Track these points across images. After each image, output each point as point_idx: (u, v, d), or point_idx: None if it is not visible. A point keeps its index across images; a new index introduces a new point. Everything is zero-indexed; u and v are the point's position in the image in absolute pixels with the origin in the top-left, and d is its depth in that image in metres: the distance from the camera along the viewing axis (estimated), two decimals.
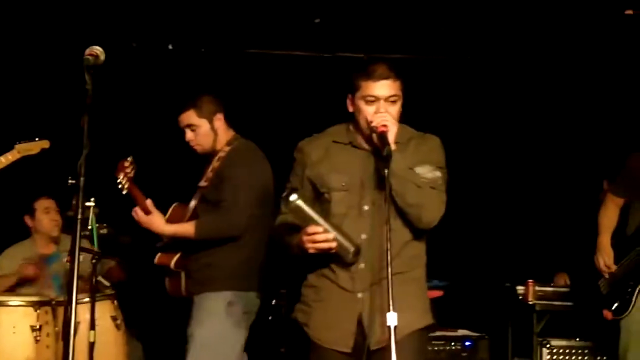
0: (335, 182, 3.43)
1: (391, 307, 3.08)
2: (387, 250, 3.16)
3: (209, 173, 4.45)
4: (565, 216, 6.44)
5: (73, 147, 3.02)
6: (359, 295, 3.37)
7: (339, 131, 3.54)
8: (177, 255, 4.41)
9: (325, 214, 3.40)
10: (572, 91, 6.73)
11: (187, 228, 4.34)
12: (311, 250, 3.32)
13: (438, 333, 5.44)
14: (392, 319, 3.09)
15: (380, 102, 3.37)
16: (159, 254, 4.51)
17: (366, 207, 3.39)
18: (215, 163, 4.46)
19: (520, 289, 5.91)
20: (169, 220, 4.46)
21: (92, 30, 5.72)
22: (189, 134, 4.51)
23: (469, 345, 5.55)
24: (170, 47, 6.58)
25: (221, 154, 4.46)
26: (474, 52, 6.70)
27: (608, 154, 5.88)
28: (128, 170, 4.50)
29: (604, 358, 5.57)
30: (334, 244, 3.31)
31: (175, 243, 4.41)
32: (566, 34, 6.36)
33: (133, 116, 6.47)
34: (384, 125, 3.31)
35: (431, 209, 3.36)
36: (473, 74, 6.74)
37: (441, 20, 6.27)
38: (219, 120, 4.50)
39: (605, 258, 4.88)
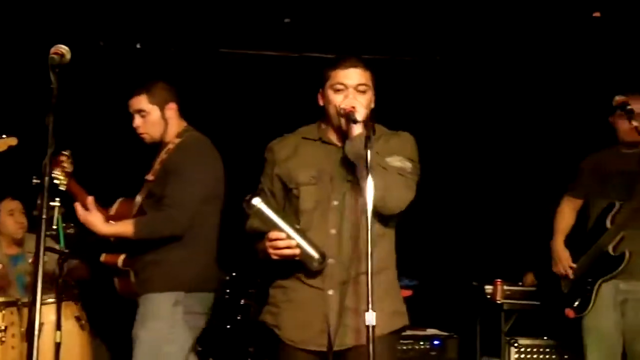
0: (303, 177, 3.39)
1: (370, 306, 3.02)
2: (367, 243, 3.05)
3: (156, 166, 4.21)
4: (533, 215, 6.46)
5: (38, 146, 2.99)
6: (329, 292, 3.32)
7: (309, 129, 3.51)
8: (124, 254, 4.20)
9: (295, 211, 3.38)
10: (540, 92, 6.77)
11: (125, 228, 4.07)
12: (274, 257, 3.26)
13: (407, 332, 5.42)
14: (370, 318, 3.01)
15: (349, 90, 3.34)
16: (104, 253, 4.29)
17: (335, 202, 3.34)
18: (163, 155, 4.21)
19: (488, 288, 5.93)
20: (115, 217, 4.23)
21: (59, 28, 5.67)
22: (138, 120, 4.25)
23: (438, 344, 5.56)
24: (138, 46, 6.53)
25: (170, 146, 4.21)
26: (444, 52, 6.72)
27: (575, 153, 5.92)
28: (65, 164, 4.29)
29: (571, 356, 5.62)
30: (297, 251, 3.24)
31: (122, 240, 4.15)
32: (534, 35, 6.39)
33: (100, 115, 6.42)
34: (352, 107, 3.28)
35: (396, 194, 3.28)
36: (443, 75, 6.76)
37: (411, 21, 6.28)
38: (171, 110, 4.25)
39: (562, 262, 4.93)
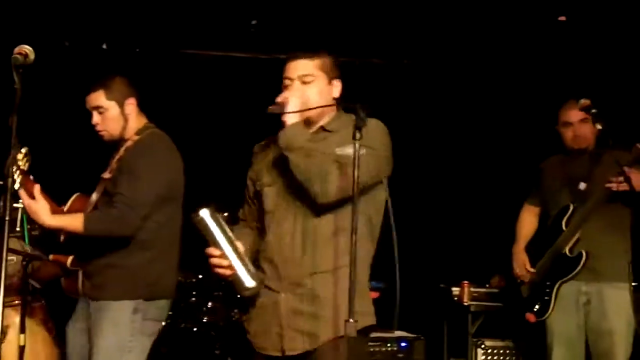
0: (266, 178, 3.37)
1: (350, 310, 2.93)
2: (352, 244, 2.95)
3: (114, 164, 4.06)
4: (500, 218, 6.49)
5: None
6: (282, 295, 3.24)
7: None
8: (73, 255, 4.07)
9: (261, 211, 3.35)
10: (505, 96, 6.80)
11: (73, 221, 3.86)
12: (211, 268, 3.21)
13: (374, 334, 5.44)
14: (350, 327, 2.93)
15: (294, 84, 3.28)
16: (52, 254, 4.19)
17: (293, 202, 3.27)
18: (121, 152, 4.06)
19: (455, 290, 5.96)
20: (69, 212, 4.09)
21: (22, 28, 5.61)
22: (96, 117, 4.07)
23: (405, 346, 5.56)
24: (104, 46, 6.48)
25: (128, 144, 4.06)
26: (411, 56, 6.74)
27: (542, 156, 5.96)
28: (21, 163, 3.97)
29: (537, 358, 5.65)
30: (227, 272, 3.16)
31: (74, 239, 3.97)
32: (500, 39, 6.42)
33: (65, 115, 6.36)
34: (285, 98, 3.23)
35: (322, 180, 3.13)
36: (410, 78, 6.77)
37: (378, 24, 6.29)
38: (131, 105, 4.09)
39: (520, 265, 4.98)
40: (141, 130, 4.10)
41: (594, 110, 4.49)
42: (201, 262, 5.38)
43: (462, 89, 6.82)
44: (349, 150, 3.08)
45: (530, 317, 4.85)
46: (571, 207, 4.75)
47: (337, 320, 3.13)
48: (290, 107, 3.20)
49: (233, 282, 3.19)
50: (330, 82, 3.33)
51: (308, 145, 3.18)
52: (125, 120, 4.09)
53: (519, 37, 6.37)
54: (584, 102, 4.62)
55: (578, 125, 4.75)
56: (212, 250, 3.19)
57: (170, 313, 5.39)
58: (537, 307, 4.84)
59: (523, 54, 6.54)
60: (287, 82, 3.30)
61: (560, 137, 4.90)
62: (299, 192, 3.22)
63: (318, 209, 3.20)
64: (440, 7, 6.12)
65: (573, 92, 4.83)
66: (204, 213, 3.16)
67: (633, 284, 4.65)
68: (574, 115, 4.72)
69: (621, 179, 4.41)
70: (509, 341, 5.73)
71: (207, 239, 3.19)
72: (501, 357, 5.70)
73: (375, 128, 3.22)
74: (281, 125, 3.24)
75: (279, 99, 3.24)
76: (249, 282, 3.16)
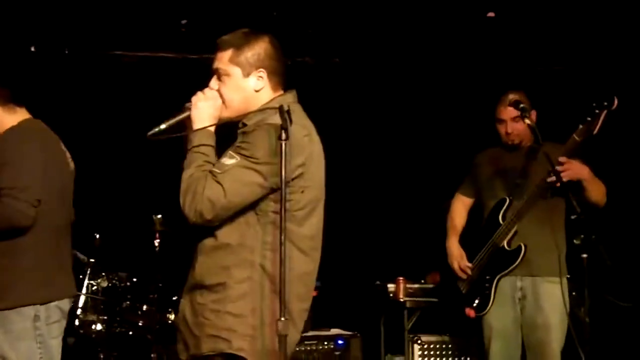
0: None
1: (283, 314, 2.81)
2: (280, 257, 2.84)
3: None
4: (434, 213, 6.54)
5: None
6: (182, 300, 3.11)
7: None
8: None
9: None
10: (435, 92, 6.85)
11: None
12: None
13: (310, 333, 5.45)
14: (282, 326, 2.82)
15: (214, 78, 3.14)
16: None
17: None
18: None
19: (391, 286, 5.98)
20: None
21: None
22: None
23: (342, 344, 5.57)
24: (32, 49, 6.37)
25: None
26: (342, 54, 6.75)
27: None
28: None
29: (474, 352, 5.70)
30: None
31: None
32: (430, 36, 6.47)
33: None
34: (189, 102, 3.11)
35: (190, 200, 2.92)
36: (340, 77, 6.77)
37: (308, 22, 6.29)
38: None
39: (458, 260, 4.97)
40: (14, 126, 3.96)
41: (522, 105, 4.53)
42: (135, 265, 5.38)
43: (392, 86, 6.84)
44: (229, 160, 2.94)
45: (470, 313, 4.86)
46: (507, 201, 4.78)
47: (200, 339, 3.00)
48: (194, 111, 3.06)
49: None
50: (247, 75, 3.09)
51: (192, 156, 3.00)
52: None
53: (449, 33, 6.42)
54: (512, 97, 4.67)
55: (510, 122, 4.76)
56: None
57: (105, 317, 5.37)
58: (476, 302, 4.85)
59: (453, 50, 6.59)
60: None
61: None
62: None
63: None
64: (370, 4, 6.13)
65: (505, 87, 4.89)
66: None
67: (567, 276, 4.72)
68: (507, 112, 4.74)
69: (560, 168, 4.41)
70: (445, 336, 5.78)
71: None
72: (437, 352, 5.74)
73: (253, 131, 2.99)
74: None
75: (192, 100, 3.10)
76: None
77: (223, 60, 3.09)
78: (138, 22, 6.10)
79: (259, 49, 3.10)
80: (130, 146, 5.81)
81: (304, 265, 3.09)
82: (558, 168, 4.40)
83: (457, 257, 4.97)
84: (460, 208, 5.12)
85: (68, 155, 4.16)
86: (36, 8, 5.90)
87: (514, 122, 4.75)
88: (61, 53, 6.39)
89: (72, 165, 4.18)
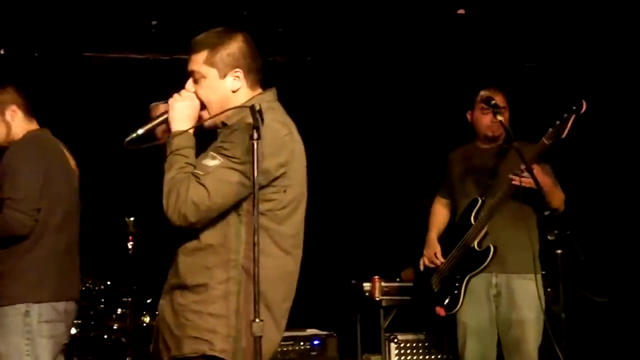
0: None
1: (257, 315, 2.75)
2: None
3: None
4: (408, 211, 6.55)
5: None
6: (161, 301, 3.06)
7: None
8: None
9: None
10: (408, 91, 6.86)
11: None
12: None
13: (286, 333, 5.39)
14: (257, 328, 2.76)
15: (190, 80, 3.07)
16: None
17: None
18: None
19: (366, 285, 5.98)
20: None
21: None
22: None
23: (318, 344, 5.56)
24: (2, 52, 6.32)
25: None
26: (314, 53, 6.74)
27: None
28: None
29: (450, 350, 5.71)
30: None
31: None
32: (401, 33, 6.47)
33: None
34: (166, 106, 3.07)
35: (173, 203, 2.87)
36: (312, 76, 6.76)
37: (279, 21, 6.28)
38: (14, 112, 4.19)
39: (431, 251, 4.99)
40: (25, 136, 4.20)
41: (493, 102, 4.54)
42: (109, 268, 5.33)
43: (366, 85, 6.84)
44: (212, 162, 2.89)
45: (440, 311, 4.87)
46: (480, 201, 4.79)
47: (181, 340, 2.96)
48: (171, 113, 3.02)
49: None
50: (223, 76, 3.04)
51: (172, 158, 2.96)
52: (8, 126, 4.20)
53: (420, 31, 6.43)
54: (484, 93, 4.68)
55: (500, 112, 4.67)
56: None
57: (79, 321, 5.33)
58: (447, 300, 4.86)
59: (425, 47, 6.60)
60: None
61: (473, 125, 4.93)
62: None
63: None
64: (341, 2, 6.13)
65: (478, 84, 4.89)
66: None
67: (543, 272, 4.74)
68: (498, 100, 4.69)
69: (525, 173, 4.41)
70: (422, 334, 5.78)
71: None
72: (414, 351, 5.75)
73: (232, 130, 2.95)
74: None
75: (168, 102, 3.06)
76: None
77: (198, 62, 3.03)
78: (108, 24, 6.06)
79: (234, 48, 3.05)
80: (102, 148, 5.78)
81: (286, 265, 3.06)
82: (517, 176, 4.44)
83: (433, 248, 4.99)
84: (439, 208, 5.15)
85: (73, 163, 4.34)
86: (5, 11, 5.85)
87: (502, 112, 4.71)
88: (31, 56, 6.34)
89: (76, 172, 4.37)
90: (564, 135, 4.35)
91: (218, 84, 3.05)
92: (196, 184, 2.86)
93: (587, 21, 6.16)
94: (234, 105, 3.02)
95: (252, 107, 2.82)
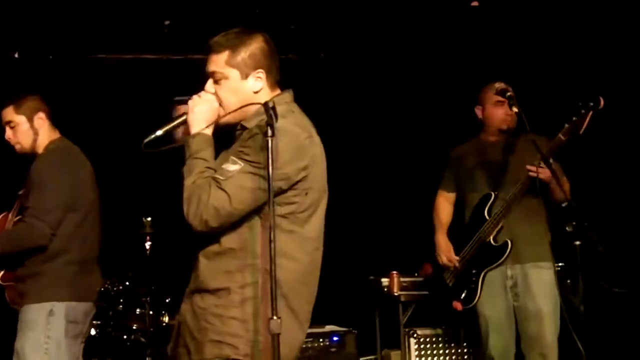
0: None
1: (274, 313, 2.73)
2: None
3: (27, 179, 4.31)
4: (425, 206, 6.53)
5: None
6: (184, 305, 3.05)
7: None
8: (3, 270, 4.33)
9: None
10: (422, 87, 6.84)
11: None
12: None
13: None
14: (274, 326, 2.75)
15: (210, 81, 3.03)
16: None
17: None
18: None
19: (384, 281, 5.97)
20: None
21: None
22: (8, 132, 4.39)
23: (337, 340, 5.57)
24: (16, 55, 6.34)
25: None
26: (327, 50, 6.73)
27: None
28: None
29: (470, 344, 5.71)
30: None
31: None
32: (414, 28, 6.46)
33: None
34: (184, 109, 3.02)
35: (194, 208, 2.86)
36: (326, 73, 6.75)
37: (291, 18, 6.27)
38: (41, 119, 4.37)
39: (446, 254, 5.02)
40: (49, 145, 4.35)
41: (509, 94, 4.53)
42: (127, 269, 5.34)
43: (380, 80, 6.83)
44: (233, 166, 2.87)
45: (457, 305, 4.92)
46: (492, 196, 4.80)
47: (203, 345, 2.95)
48: (190, 116, 2.98)
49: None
50: (245, 77, 3.00)
51: (194, 163, 2.93)
52: (36, 133, 4.35)
53: (434, 25, 6.41)
54: (499, 85, 4.66)
55: (509, 104, 4.67)
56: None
57: (98, 322, 5.35)
58: (463, 295, 4.90)
59: (439, 42, 6.58)
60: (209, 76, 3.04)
61: (484, 120, 4.93)
62: None
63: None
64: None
65: (493, 77, 4.88)
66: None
67: (560, 264, 4.75)
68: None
69: (542, 165, 4.43)
70: (441, 329, 5.77)
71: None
72: (433, 345, 5.74)
73: (251, 134, 2.92)
74: None
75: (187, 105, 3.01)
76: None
77: (219, 63, 2.99)
78: (120, 25, 6.07)
79: (255, 48, 3.01)
80: (118, 149, 5.80)
81: (309, 267, 3.05)
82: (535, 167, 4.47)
83: (445, 250, 5.03)
84: (443, 203, 5.17)
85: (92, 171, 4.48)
86: (18, 14, 5.87)
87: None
88: (45, 59, 6.36)
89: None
90: (581, 131, 4.38)
91: (240, 85, 3.01)
92: (217, 189, 2.85)
93: (595, 13, 6.14)
94: (255, 105, 2.98)
95: (265, 104, 2.82)
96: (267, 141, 2.78)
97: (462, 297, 4.90)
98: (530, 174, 4.55)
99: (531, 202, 4.69)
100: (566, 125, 4.43)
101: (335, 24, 6.41)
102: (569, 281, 4.94)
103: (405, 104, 6.91)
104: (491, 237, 4.80)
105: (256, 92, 3.02)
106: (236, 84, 3.00)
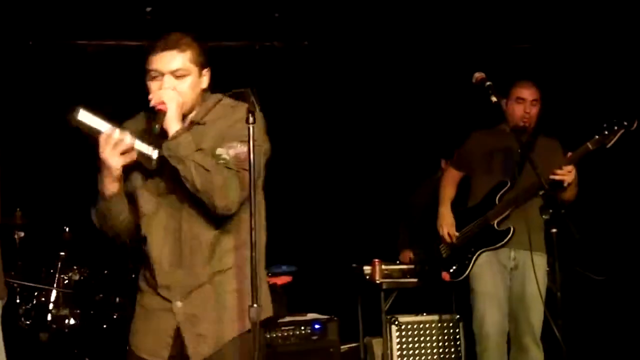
0: (137, 178, 3.16)
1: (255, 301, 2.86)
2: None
3: None
4: (406, 194, 6.55)
5: None
6: (177, 304, 3.10)
7: (139, 118, 3.23)
8: None
9: (136, 214, 3.16)
10: (405, 75, 6.85)
11: None
12: (114, 161, 2.97)
13: (287, 318, 5.44)
14: (254, 312, 2.86)
15: (165, 78, 3.06)
16: None
17: (174, 208, 3.11)
18: None
19: (366, 268, 5.98)
20: None
21: None
22: None
23: (319, 328, 5.56)
24: None
25: None
26: (311, 38, 6.72)
27: (444, 136, 6.06)
28: None
29: (450, 330, 5.75)
30: (132, 143, 2.99)
31: None
32: (398, 17, 6.46)
33: None
34: (162, 102, 3.01)
35: (224, 193, 3.00)
36: (309, 61, 6.74)
37: (275, 6, 6.26)
38: None
39: (448, 226, 5.15)
40: None
41: (488, 83, 4.54)
42: (105, 258, 5.31)
43: (363, 69, 6.83)
44: (236, 150, 3.02)
45: (445, 276, 5.13)
46: (508, 184, 4.94)
47: (228, 322, 3.09)
48: (170, 113, 3.01)
49: (140, 159, 3.06)
50: (200, 75, 3.14)
51: (195, 155, 3.00)
52: None
53: (419, 13, 6.41)
54: (479, 75, 4.65)
55: (530, 104, 4.92)
56: (107, 133, 2.98)
57: (78, 311, 5.34)
58: (454, 268, 5.09)
59: (424, 30, 6.58)
60: (153, 74, 3.08)
61: (506, 113, 4.97)
62: (184, 197, 3.08)
63: (207, 215, 3.07)
64: None
65: (478, 68, 4.88)
66: (81, 111, 2.99)
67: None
68: (529, 93, 4.92)
69: (569, 168, 4.63)
70: (422, 316, 5.80)
71: (92, 133, 3.00)
72: (415, 333, 5.77)
73: (258, 120, 3.05)
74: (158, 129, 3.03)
75: (155, 103, 3.03)
76: (153, 153, 3.04)
77: (183, 61, 3.07)
78: (102, 11, 6.03)
79: (203, 48, 3.15)
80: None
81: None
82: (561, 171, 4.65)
83: (448, 224, 5.16)
84: (450, 180, 5.29)
85: None
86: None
87: (533, 105, 4.93)
88: (25, 45, 6.32)
89: None
90: (608, 146, 4.61)
91: (198, 82, 3.13)
92: (241, 173, 3.00)
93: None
94: (200, 102, 3.16)
95: (253, 90, 2.96)
96: (249, 127, 2.91)
97: (451, 270, 5.09)
98: (557, 177, 4.66)
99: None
100: (596, 137, 4.62)
101: (320, 12, 6.39)
102: (547, 269, 5.00)
103: (389, 92, 6.91)
104: (495, 221, 4.95)
105: (204, 90, 3.18)
106: (195, 81, 3.12)
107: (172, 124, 3.02)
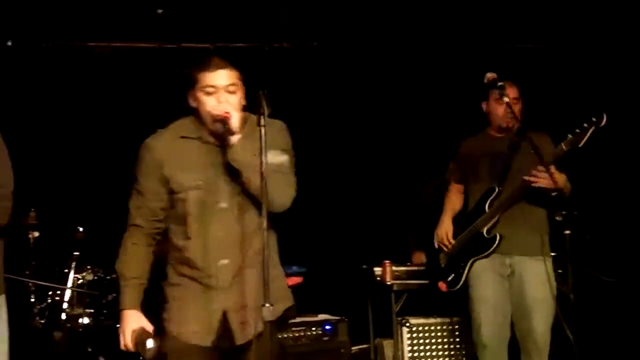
0: (189, 179, 3.41)
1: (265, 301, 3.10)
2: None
3: None
4: (417, 196, 6.55)
5: None
6: (222, 291, 3.41)
7: (186, 125, 3.49)
8: None
9: (181, 214, 3.42)
10: (414, 75, 6.85)
11: None
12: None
13: (298, 319, 5.45)
14: (267, 312, 3.11)
15: (220, 92, 3.37)
16: None
17: (223, 205, 3.41)
18: None
19: (377, 270, 5.99)
20: None
21: None
22: None
23: (329, 329, 5.57)
24: (9, 43, 6.33)
25: None
26: (321, 39, 6.73)
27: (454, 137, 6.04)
28: None
29: (462, 333, 5.74)
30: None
31: None
32: (407, 18, 6.47)
33: None
34: (227, 112, 3.33)
35: (280, 194, 3.35)
36: (319, 61, 6.76)
37: (286, 7, 6.27)
38: None
39: (442, 232, 5.12)
40: None
41: (500, 84, 4.55)
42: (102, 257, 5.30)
43: (372, 69, 6.84)
44: (282, 158, 3.41)
45: (442, 286, 5.08)
46: (496, 190, 4.88)
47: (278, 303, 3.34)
48: (234, 121, 3.33)
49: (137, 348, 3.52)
50: (243, 90, 3.46)
51: (255, 160, 3.23)
52: None
53: (427, 14, 6.42)
54: (490, 75, 4.67)
55: (513, 102, 4.80)
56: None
57: (91, 311, 5.35)
58: (450, 277, 5.05)
59: (432, 31, 6.59)
60: (210, 89, 3.38)
61: (488, 115, 4.97)
62: (235, 196, 3.40)
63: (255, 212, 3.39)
64: None
65: (486, 69, 4.89)
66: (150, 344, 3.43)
67: (553, 254, 4.80)
68: (512, 91, 4.82)
69: (542, 172, 4.54)
70: (433, 318, 5.79)
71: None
72: (426, 334, 5.76)
73: (283, 129, 3.53)
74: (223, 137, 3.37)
75: (217, 112, 3.34)
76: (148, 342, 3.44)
77: (235, 77, 3.42)
78: (112, 12, 6.05)
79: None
80: (111, 138, 5.80)
81: None
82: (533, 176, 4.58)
83: (445, 229, 5.13)
84: (454, 191, 5.24)
85: None
86: (11, 3, 5.86)
87: (514, 104, 4.81)
88: (39, 47, 6.35)
89: None
90: (580, 145, 4.51)
91: (242, 98, 3.46)
92: (289, 177, 3.45)
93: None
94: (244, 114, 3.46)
95: (264, 93, 3.20)
96: (260, 130, 3.15)
97: (448, 280, 5.05)
98: (532, 184, 4.62)
99: (530, 195, 4.75)
100: (569, 137, 4.54)
101: (328, 13, 6.40)
102: (560, 270, 4.97)
103: (399, 92, 6.92)
104: (485, 229, 4.88)
105: (244, 105, 3.47)
106: (241, 96, 3.45)
107: (236, 132, 3.35)
